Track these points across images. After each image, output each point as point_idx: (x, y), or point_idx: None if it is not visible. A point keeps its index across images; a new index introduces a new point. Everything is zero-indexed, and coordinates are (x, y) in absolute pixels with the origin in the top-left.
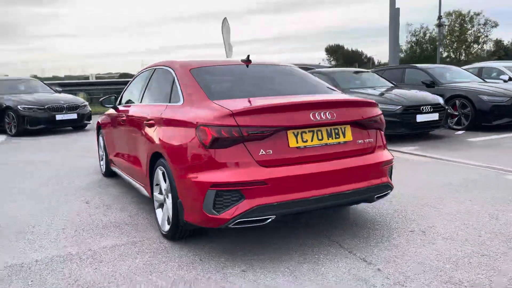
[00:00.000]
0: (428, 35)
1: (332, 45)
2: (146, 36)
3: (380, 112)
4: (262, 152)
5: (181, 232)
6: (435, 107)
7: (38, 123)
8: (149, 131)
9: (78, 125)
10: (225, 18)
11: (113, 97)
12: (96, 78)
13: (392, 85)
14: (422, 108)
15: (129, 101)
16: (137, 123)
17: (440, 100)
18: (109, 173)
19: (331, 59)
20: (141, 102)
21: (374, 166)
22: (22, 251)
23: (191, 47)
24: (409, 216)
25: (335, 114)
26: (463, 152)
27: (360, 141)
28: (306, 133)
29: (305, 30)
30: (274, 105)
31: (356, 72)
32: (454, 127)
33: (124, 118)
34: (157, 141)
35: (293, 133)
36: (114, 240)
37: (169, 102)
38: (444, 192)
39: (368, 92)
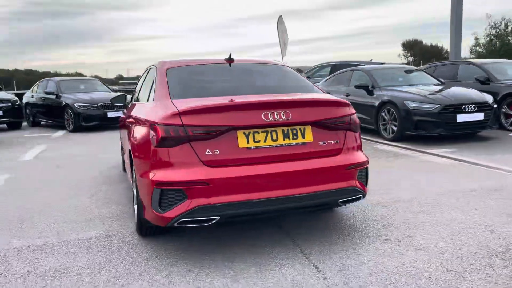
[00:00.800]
0: (510, 27)
1: (409, 39)
2: (228, 37)
3: (350, 112)
4: (208, 152)
5: (146, 229)
6: (481, 106)
7: (92, 119)
8: (129, 129)
9: None
10: (280, 16)
11: (124, 96)
12: None
13: (439, 82)
14: (464, 107)
15: (137, 100)
16: (127, 122)
17: (488, 99)
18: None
19: (408, 54)
20: (137, 101)
21: (337, 169)
22: (8, 238)
23: (269, 46)
24: (395, 224)
25: (291, 114)
26: (505, 156)
27: (322, 142)
28: (258, 133)
29: (384, 24)
30: (222, 104)
31: (404, 70)
32: (510, 128)
33: (124, 116)
34: (130, 139)
35: (244, 133)
36: (92, 233)
37: (147, 101)
38: (451, 200)
39: (406, 90)
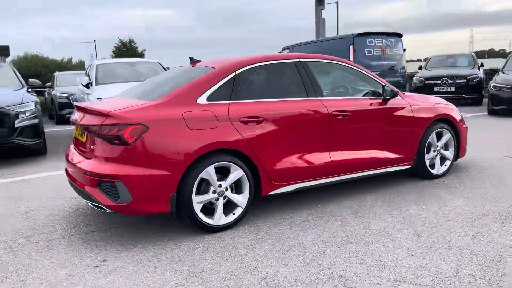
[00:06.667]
0: None
1: None
2: None
3: (105, 122)
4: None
5: None
6: None
7: None
8: None
9: None
10: None
11: None
12: None
13: None
14: None
15: None
16: None
17: None
18: None
19: None
20: None
21: (83, 171)
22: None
23: None
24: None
25: (83, 117)
26: None
27: (91, 146)
28: (78, 128)
29: None
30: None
31: None
32: None
33: None
34: None
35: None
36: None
37: None
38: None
39: None
